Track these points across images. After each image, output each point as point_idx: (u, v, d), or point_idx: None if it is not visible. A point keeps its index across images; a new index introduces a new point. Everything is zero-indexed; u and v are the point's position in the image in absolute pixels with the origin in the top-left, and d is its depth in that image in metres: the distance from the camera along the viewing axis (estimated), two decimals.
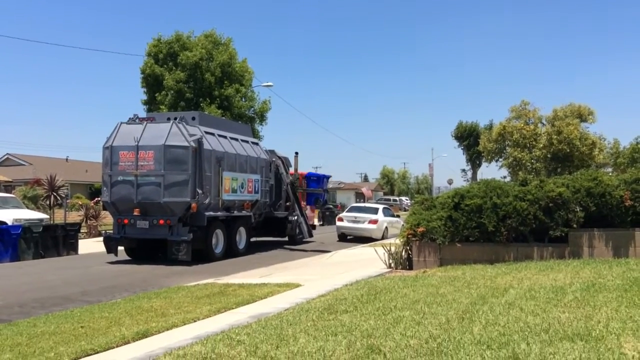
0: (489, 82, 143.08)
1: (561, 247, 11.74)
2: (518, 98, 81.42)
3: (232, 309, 8.30)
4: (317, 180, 23.51)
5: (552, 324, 5.65)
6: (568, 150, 46.23)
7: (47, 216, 24.59)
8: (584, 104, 48.76)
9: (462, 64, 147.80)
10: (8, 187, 37.96)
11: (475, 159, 69.68)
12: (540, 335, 5.23)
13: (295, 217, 20.90)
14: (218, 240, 16.67)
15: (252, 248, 18.94)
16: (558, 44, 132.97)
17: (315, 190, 23.28)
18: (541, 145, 47.58)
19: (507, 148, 50.49)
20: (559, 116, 48.06)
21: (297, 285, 10.36)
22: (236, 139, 18.53)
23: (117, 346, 6.26)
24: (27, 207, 25.44)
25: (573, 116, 47.69)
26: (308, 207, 24.29)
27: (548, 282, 8.51)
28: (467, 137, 69.96)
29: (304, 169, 27.11)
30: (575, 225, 11.74)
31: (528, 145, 48.26)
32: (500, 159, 52.01)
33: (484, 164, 61.88)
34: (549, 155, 47.57)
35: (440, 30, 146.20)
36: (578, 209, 11.78)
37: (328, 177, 24.33)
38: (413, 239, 12.30)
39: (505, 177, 49.24)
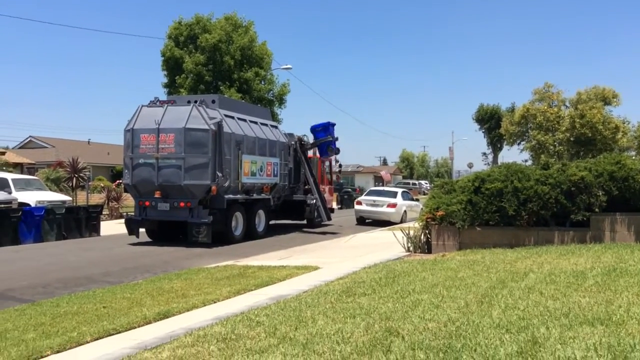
0: (511, 65, 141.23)
1: (583, 232, 11.62)
2: (541, 80, 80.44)
3: (252, 290, 8.37)
4: (323, 129, 22.61)
5: (572, 309, 5.61)
6: (590, 134, 45.54)
7: (70, 198, 24.95)
8: (608, 87, 47.87)
9: (484, 46, 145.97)
10: (31, 169, 38.56)
11: (496, 142, 68.99)
12: (560, 320, 5.20)
13: (314, 201, 20.94)
14: (237, 222, 16.79)
15: (271, 231, 19.05)
16: (583, 23, 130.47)
17: (325, 139, 22.41)
18: (564, 128, 46.92)
19: (529, 131, 49.88)
20: (582, 99, 47.26)
21: (316, 268, 10.41)
22: (255, 122, 18.56)
23: (138, 326, 6.37)
24: (50, 189, 25.80)
25: (597, 99, 46.84)
26: (327, 189, 24.22)
27: (569, 266, 8.43)
28: (489, 120, 69.22)
29: None
30: (597, 210, 11.59)
31: (551, 128, 47.61)
32: (522, 142, 51.40)
33: (506, 147, 61.31)
34: (571, 139, 46.90)
35: (461, 11, 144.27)
36: (600, 193, 11.62)
37: (333, 125, 23.09)
38: (432, 222, 12.26)
39: (526, 160, 48.75)
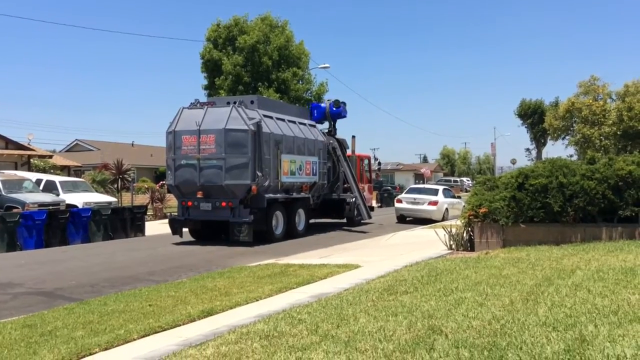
0: (554, 58, 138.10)
1: (631, 227, 11.28)
2: (585, 74, 78.42)
3: (293, 288, 8.42)
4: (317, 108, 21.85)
5: (621, 306, 5.46)
6: (639, 127, 44.17)
7: (115, 199, 25.55)
8: None
9: (525, 39, 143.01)
10: (78, 171, 39.67)
11: (539, 138, 67.61)
12: (608, 317, 5.06)
13: (353, 199, 20.91)
14: (278, 221, 16.90)
15: (311, 229, 19.10)
16: (629, 14, 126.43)
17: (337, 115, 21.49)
18: (610, 122, 45.69)
19: (574, 125, 48.76)
20: (630, 91, 45.94)
21: (357, 266, 10.39)
22: (294, 122, 18.64)
23: (183, 324, 6.47)
24: (96, 191, 26.49)
25: None
26: (366, 188, 24.13)
27: (617, 263, 8.20)
28: (531, 115, 67.88)
29: (362, 150, 26.79)
30: None
31: (597, 122, 46.40)
32: (567, 137, 50.30)
33: (550, 142, 60.06)
34: (618, 133, 45.64)
35: (502, 4, 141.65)
36: None
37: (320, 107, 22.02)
38: (475, 219, 12.09)
39: (572, 155, 47.67)
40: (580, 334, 4.54)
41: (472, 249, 12.08)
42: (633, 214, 11.26)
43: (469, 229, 12.37)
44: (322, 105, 22.45)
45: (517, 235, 11.74)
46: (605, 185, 11.30)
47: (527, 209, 11.65)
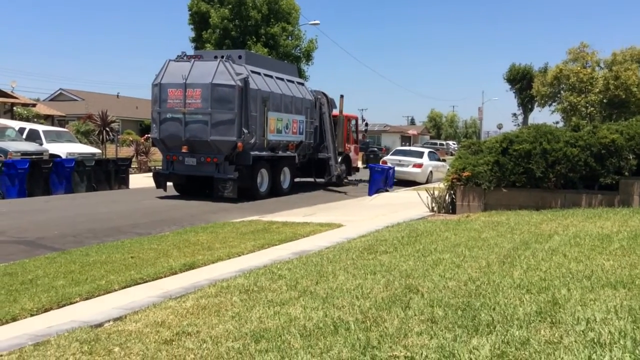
0: (545, 22, 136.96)
1: (611, 195, 11.44)
2: (575, 40, 77.96)
3: (275, 245, 8.50)
4: (381, 171, 21.65)
5: (595, 271, 5.58)
6: (624, 96, 44.38)
7: (99, 151, 25.32)
8: None
9: (519, 3, 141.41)
10: (62, 121, 39.11)
11: (527, 103, 67.62)
12: (582, 282, 5.18)
13: (330, 160, 20.78)
14: (263, 179, 16.92)
15: (296, 188, 19.15)
16: None
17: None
18: (597, 90, 45.79)
19: (562, 92, 48.84)
20: (617, 60, 45.94)
21: (339, 226, 10.48)
22: (282, 79, 18.45)
23: (164, 276, 6.53)
24: (80, 142, 26.19)
25: (632, 60, 45.49)
26: (352, 148, 24.10)
27: (595, 229, 8.35)
28: (520, 80, 67.69)
29: (350, 110, 26.73)
30: (627, 173, 11.39)
31: (584, 89, 46.50)
32: (554, 104, 50.42)
33: (537, 109, 60.24)
34: (604, 101, 45.84)
35: None
36: (631, 157, 11.39)
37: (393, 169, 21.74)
38: (458, 183, 12.18)
39: (558, 122, 47.89)
40: (553, 297, 4.65)
41: (454, 212, 12.21)
42: (613, 182, 11.40)
43: (452, 192, 12.48)
44: None
45: (499, 200, 11.87)
46: (588, 152, 11.40)
47: (509, 174, 11.74)
